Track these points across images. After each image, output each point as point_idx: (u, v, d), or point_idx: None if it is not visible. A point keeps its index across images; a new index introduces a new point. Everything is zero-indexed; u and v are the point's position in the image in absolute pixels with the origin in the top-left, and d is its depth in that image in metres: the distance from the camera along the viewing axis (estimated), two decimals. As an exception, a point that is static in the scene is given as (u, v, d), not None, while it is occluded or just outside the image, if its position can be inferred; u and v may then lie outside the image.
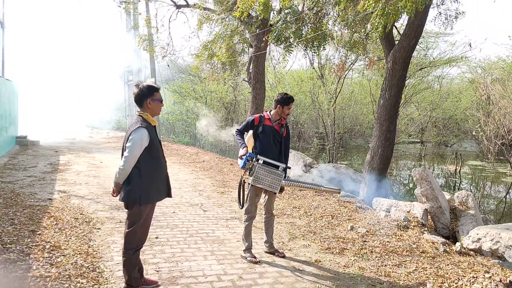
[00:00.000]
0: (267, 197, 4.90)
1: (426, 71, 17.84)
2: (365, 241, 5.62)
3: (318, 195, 8.31)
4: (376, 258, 4.96)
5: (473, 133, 17.41)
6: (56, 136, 19.55)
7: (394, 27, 8.84)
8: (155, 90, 3.64)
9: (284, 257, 4.87)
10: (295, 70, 27.20)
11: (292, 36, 8.37)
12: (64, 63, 25.40)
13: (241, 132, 4.88)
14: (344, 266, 4.70)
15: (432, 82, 23.97)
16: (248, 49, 14.56)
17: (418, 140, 27.97)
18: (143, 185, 3.52)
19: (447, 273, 4.49)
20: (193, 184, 9.26)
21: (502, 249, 3.69)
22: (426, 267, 4.65)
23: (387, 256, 5.03)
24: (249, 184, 4.65)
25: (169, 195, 3.86)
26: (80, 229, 5.41)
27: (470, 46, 16.65)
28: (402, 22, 10.21)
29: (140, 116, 3.62)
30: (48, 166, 10.76)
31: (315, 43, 8.66)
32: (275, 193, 4.76)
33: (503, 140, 15.36)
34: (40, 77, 23.72)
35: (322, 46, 8.85)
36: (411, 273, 4.53)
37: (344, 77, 17.62)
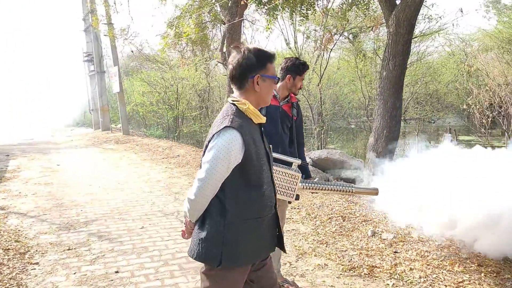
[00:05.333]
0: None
1: (415, 41, 16.68)
2: (396, 252, 4.28)
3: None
4: (421, 279, 3.63)
5: (464, 106, 16.35)
6: (12, 137, 17.62)
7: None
8: (269, 60, 2.03)
9: (297, 289, 3.48)
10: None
11: (277, -4, 6.86)
12: (21, 61, 23.29)
13: None
14: (384, 298, 3.34)
15: (413, 56, 22.90)
16: (220, 26, 13.00)
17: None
18: (229, 232, 1.97)
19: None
20: (167, 185, 7.75)
21: None
22: (497, 291, 3.34)
23: (434, 275, 3.70)
24: None
25: (280, 246, 2.24)
26: (8, 268, 3.87)
27: (462, 11, 15.55)
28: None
29: (233, 105, 2.02)
30: (-8, 174, 9.03)
31: (303, 6, 7.18)
32: (289, 202, 3.30)
33: (500, 111, 14.38)
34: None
35: (312, 10, 7.39)
36: (480, 302, 3.22)
37: (330, 52, 16.22)
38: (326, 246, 4.51)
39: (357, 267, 3.92)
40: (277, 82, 2.03)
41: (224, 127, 1.91)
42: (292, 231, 5.04)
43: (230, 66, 2.01)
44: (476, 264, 3.84)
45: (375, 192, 3.28)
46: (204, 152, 1.97)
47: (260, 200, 2.03)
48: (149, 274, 3.80)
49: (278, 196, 3.07)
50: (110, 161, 10.92)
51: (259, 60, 1.97)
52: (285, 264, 4.05)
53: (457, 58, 23.91)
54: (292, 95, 3.43)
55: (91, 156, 11.91)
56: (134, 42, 17.66)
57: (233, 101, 2.02)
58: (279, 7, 7.13)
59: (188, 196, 1.98)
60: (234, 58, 1.99)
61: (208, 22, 11.72)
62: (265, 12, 7.38)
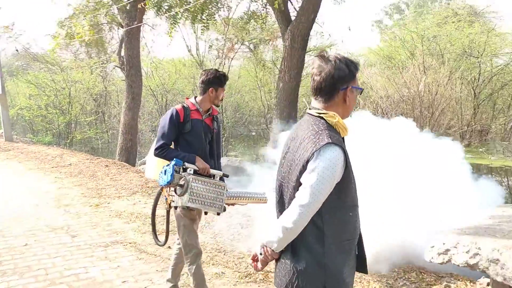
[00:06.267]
0: None
1: (310, 54, 17.86)
2: (289, 256, 4.50)
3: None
4: None
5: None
6: None
7: (289, 2, 7.92)
8: (357, 70, 1.84)
9: (194, 301, 3.48)
10: (172, 59, 25.32)
11: (178, 3, 6.78)
12: None
13: (169, 145, 3.18)
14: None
15: (309, 68, 24.35)
16: (118, 30, 12.50)
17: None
18: (329, 260, 1.78)
19: (403, 292, 3.60)
20: (57, 197, 7.18)
21: (484, 263, 2.90)
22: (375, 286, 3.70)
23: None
24: (177, 207, 3.11)
25: (363, 269, 2.00)
26: None
27: (350, 29, 17.03)
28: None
29: (321, 118, 1.80)
30: None
31: (204, 14, 7.25)
32: (217, 214, 3.16)
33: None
34: None
35: (213, 20, 7.49)
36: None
37: (231, 60, 16.55)
38: (224, 254, 4.58)
39: (253, 273, 4.05)
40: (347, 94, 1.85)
41: (327, 143, 1.69)
42: (190, 240, 5.03)
43: (318, 78, 1.79)
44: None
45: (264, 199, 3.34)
46: (300, 171, 1.75)
47: (354, 220, 1.86)
48: (32, 296, 3.50)
49: (209, 209, 3.07)
50: (-11, 171, 9.80)
51: (351, 70, 1.78)
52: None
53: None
54: (214, 107, 3.37)
55: (-35, 166, 10.56)
56: (20, 40, 16.14)
57: (319, 113, 1.80)
58: (180, 15, 7.11)
59: (283, 224, 1.73)
60: (322, 68, 1.78)
61: (104, 24, 11.19)
62: (166, 19, 7.29)
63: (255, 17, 8.91)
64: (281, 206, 1.88)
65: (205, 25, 7.70)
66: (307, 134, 1.77)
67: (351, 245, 1.85)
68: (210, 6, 7.07)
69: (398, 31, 20.28)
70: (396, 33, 21.16)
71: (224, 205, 3.06)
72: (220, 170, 3.36)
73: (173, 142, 3.24)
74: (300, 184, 1.74)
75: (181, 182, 2.93)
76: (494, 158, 13.34)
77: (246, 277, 3.98)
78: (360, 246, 1.96)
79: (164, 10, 6.90)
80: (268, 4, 8.31)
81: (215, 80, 3.23)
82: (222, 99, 3.33)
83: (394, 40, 19.52)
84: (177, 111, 3.17)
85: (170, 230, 3.40)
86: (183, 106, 3.22)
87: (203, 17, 7.31)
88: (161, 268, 4.18)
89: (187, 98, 3.34)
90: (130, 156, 11.59)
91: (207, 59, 22.44)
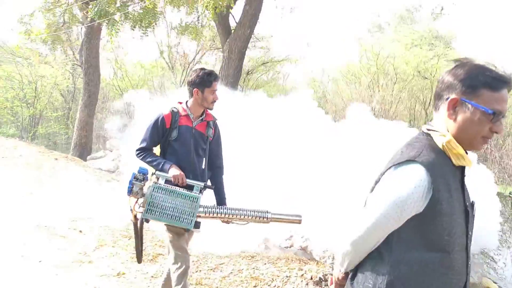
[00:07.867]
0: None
1: (268, 66, 18.67)
2: (185, 243, 5.06)
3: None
4: (193, 263, 4.43)
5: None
6: None
7: (230, 14, 8.57)
8: (487, 85, 1.37)
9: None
10: (139, 61, 25.76)
11: (117, 12, 7.38)
12: None
13: (149, 149, 2.97)
14: (152, 276, 4.06)
15: (275, 77, 25.17)
16: (81, 29, 12.94)
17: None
18: None
19: (263, 274, 4.19)
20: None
21: (311, 247, 3.51)
22: (242, 269, 4.29)
23: (204, 260, 4.55)
24: (143, 219, 2.70)
25: None
26: None
27: (308, 45, 18.01)
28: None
29: (428, 134, 1.49)
30: None
31: (144, 22, 7.84)
32: (186, 230, 2.75)
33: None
34: None
35: (152, 27, 8.09)
36: (226, 278, 4.11)
37: (189, 69, 17.16)
38: (129, 239, 5.10)
39: (144, 254, 4.59)
40: (494, 117, 1.37)
41: (407, 160, 1.37)
42: (104, 227, 5.53)
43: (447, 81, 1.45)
44: (240, 250, 4.82)
45: (297, 220, 2.83)
46: (372, 189, 1.48)
47: (442, 272, 1.37)
48: None
49: (171, 222, 2.68)
50: None
51: (469, 80, 1.38)
52: (81, 253, 4.53)
53: (315, 83, 26.76)
54: (208, 112, 3.06)
55: None
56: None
57: (428, 129, 1.48)
58: (119, 22, 7.67)
59: (341, 244, 1.51)
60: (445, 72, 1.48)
61: (64, 23, 11.61)
62: (106, 25, 7.84)
63: (190, 29, 9.56)
64: None
65: (144, 32, 8.29)
66: (399, 148, 1.48)
67: None
68: (147, 16, 7.66)
69: (361, 48, 21.20)
70: (363, 51, 22.14)
71: (196, 220, 2.66)
72: (218, 183, 3.11)
73: (160, 149, 3.02)
74: None
75: (145, 191, 2.68)
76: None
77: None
78: None
79: (103, 15, 7.39)
80: (201, 17, 8.98)
81: (198, 80, 2.95)
82: (214, 102, 2.99)
83: (357, 58, 20.42)
84: (163, 117, 2.93)
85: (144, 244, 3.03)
86: (172, 111, 2.96)
87: (142, 25, 7.89)
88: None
89: (180, 102, 3.04)
90: (84, 151, 12.00)
91: (179, 63, 22.97)
